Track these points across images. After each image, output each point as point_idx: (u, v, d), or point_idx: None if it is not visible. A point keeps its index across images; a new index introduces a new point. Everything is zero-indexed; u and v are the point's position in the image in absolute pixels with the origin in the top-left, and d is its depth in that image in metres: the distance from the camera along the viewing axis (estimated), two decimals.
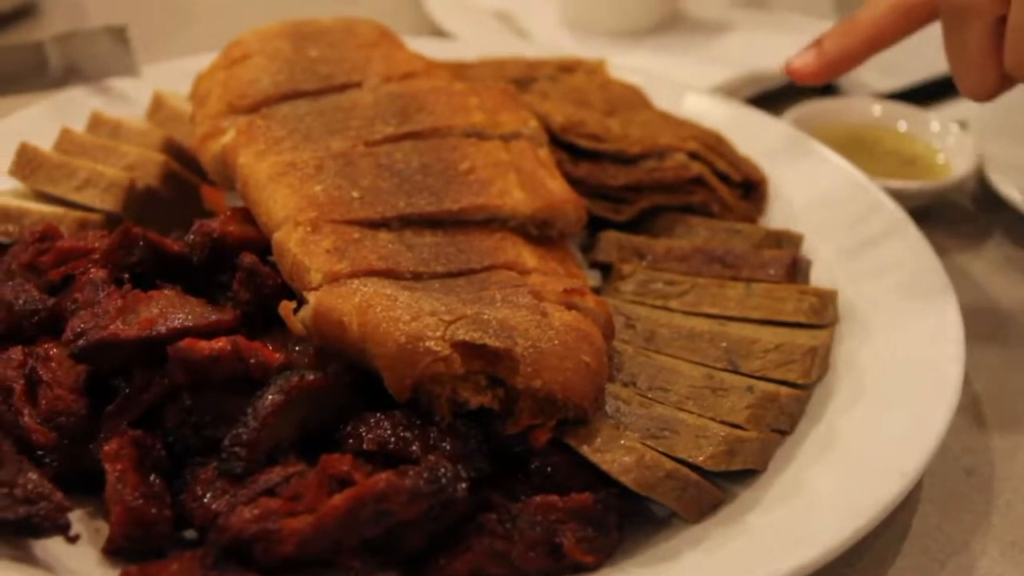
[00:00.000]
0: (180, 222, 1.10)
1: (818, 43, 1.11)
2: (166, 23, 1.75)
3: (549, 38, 1.65)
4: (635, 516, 0.88)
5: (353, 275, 0.91)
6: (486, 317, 0.85)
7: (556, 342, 0.86)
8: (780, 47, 1.33)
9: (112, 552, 0.82)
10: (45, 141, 1.16)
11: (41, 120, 1.27)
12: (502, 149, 1.06)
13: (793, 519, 0.86)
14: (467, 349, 0.83)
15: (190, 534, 0.85)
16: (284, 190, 0.98)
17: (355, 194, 0.99)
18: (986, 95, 1.01)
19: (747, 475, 0.91)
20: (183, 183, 1.15)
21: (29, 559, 0.80)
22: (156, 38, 1.39)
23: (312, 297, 0.90)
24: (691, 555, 0.84)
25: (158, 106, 1.27)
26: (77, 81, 1.35)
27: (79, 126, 1.22)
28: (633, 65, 1.41)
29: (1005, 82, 1.00)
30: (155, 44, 1.41)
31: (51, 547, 0.82)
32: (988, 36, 0.97)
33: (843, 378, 1.00)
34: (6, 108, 1.31)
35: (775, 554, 0.82)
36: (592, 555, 0.82)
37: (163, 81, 1.33)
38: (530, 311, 0.88)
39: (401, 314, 0.85)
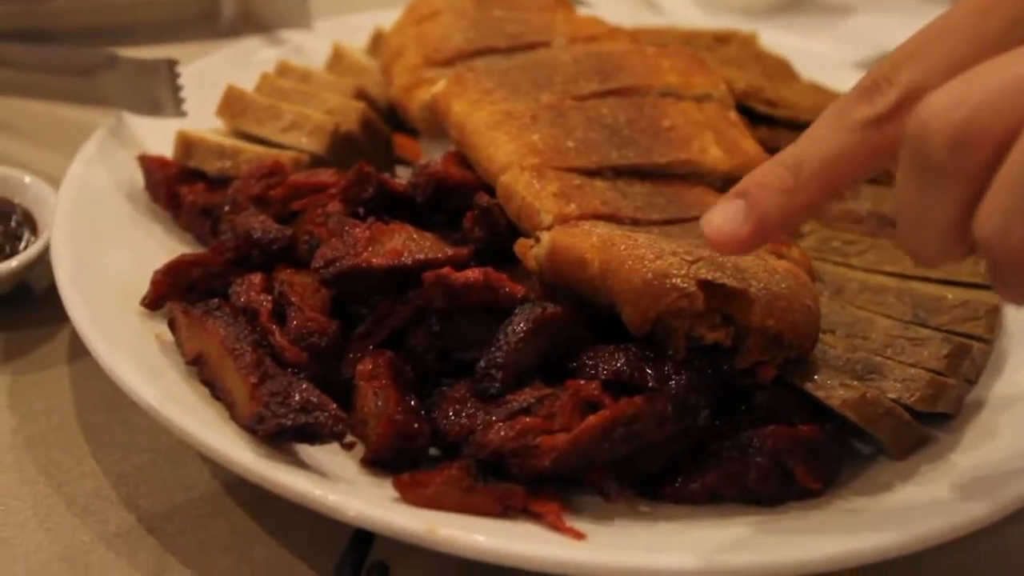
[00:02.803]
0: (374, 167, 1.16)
1: (746, 196, 0.77)
2: None
3: (679, 12, 1.71)
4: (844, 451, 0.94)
5: (582, 217, 0.97)
6: (721, 259, 0.91)
7: (783, 285, 0.92)
8: (906, 28, 1.38)
9: (370, 463, 0.89)
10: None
11: (225, 65, 1.33)
12: (696, 109, 1.12)
13: (993, 460, 0.92)
14: (708, 288, 0.89)
15: (432, 451, 0.91)
16: (503, 137, 1.04)
17: (570, 144, 1.05)
18: (939, 263, 0.73)
19: (939, 419, 0.97)
20: (377, 131, 1.21)
21: (302, 464, 0.86)
22: None
23: (546, 236, 0.96)
24: (904, 487, 0.90)
25: (339, 58, 1.33)
26: (249, 31, 1.41)
27: (261, 73, 1.27)
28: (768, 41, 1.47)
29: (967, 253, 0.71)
30: None
31: (314, 454, 0.88)
32: (962, 207, 0.68)
33: (1016, 337, 1.06)
34: (181, 54, 1.36)
35: (983, 490, 0.88)
36: (819, 482, 0.89)
37: (333, 34, 1.39)
38: (753, 257, 0.94)
39: (645, 252, 0.90)
